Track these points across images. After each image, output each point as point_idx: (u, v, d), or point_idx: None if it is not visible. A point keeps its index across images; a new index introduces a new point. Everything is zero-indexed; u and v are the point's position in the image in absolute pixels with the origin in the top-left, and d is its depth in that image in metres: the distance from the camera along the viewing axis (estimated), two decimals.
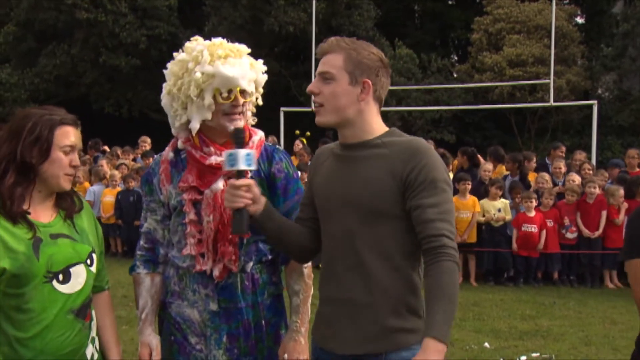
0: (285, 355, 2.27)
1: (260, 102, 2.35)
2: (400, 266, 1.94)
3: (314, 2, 14.56)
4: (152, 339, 2.30)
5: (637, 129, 17.60)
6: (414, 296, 1.96)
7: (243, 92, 2.25)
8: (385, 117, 18.36)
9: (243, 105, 2.25)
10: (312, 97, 2.05)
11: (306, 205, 2.19)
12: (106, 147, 11.65)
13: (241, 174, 2.03)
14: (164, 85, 2.30)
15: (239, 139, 2.08)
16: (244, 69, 2.22)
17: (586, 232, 8.08)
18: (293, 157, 10.70)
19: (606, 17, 20.51)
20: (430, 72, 19.58)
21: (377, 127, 2.03)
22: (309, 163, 2.22)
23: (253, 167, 2.05)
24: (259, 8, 18.70)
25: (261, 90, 2.35)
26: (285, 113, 14.49)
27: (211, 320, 2.28)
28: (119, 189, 9.62)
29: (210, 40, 2.29)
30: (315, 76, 2.07)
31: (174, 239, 2.33)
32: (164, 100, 2.31)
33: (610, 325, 6.10)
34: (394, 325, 1.93)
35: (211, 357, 2.27)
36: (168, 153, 2.36)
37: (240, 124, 2.23)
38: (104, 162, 10.22)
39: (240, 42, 2.32)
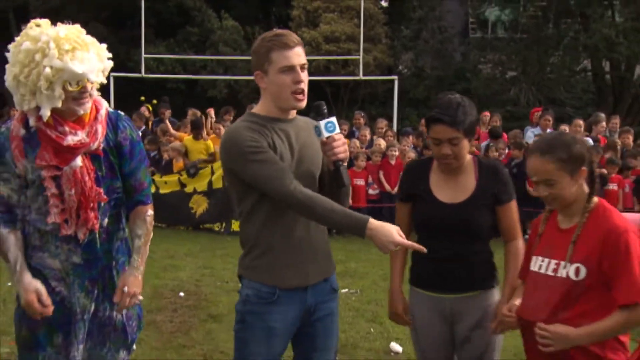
0: (125, 288, 2.44)
1: (104, 80, 2.35)
2: None
3: None
4: (36, 283, 2.33)
5: (429, 102, 20.11)
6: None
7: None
8: (214, 85, 19.23)
9: (91, 88, 2.31)
10: (300, 85, 2.32)
11: None
12: None
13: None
14: (8, 67, 2.26)
15: (325, 110, 2.30)
16: (92, 63, 2.24)
17: (388, 187, 9.46)
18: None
19: (406, 2, 22.55)
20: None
21: None
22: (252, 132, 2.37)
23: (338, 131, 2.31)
24: None
25: (107, 73, 2.37)
26: (115, 78, 14.57)
27: (73, 270, 2.42)
28: None
29: (49, 22, 2.28)
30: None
31: (32, 206, 2.37)
32: (9, 83, 2.26)
33: None
34: (329, 251, 2.53)
35: (75, 300, 2.42)
36: (19, 129, 2.33)
37: (88, 106, 2.32)
38: None
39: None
